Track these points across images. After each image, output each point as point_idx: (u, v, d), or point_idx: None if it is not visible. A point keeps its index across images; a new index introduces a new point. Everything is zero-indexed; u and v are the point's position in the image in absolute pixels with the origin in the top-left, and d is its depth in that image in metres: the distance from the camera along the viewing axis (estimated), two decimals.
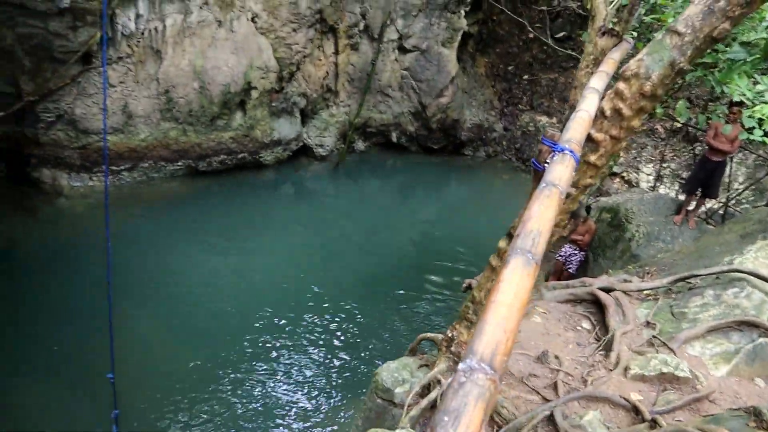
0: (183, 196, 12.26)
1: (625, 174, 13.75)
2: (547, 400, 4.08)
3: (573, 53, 13.87)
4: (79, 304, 8.96)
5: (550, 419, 3.81)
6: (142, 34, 11.00)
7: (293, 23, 12.64)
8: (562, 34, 15.49)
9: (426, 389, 4.13)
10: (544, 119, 15.83)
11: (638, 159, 14.02)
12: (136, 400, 7.25)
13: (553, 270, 9.09)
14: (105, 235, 4.11)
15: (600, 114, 3.46)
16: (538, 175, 2.51)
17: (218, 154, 12.73)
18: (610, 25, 5.07)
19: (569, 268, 8.91)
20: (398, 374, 4.34)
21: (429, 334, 4.66)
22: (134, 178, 12.03)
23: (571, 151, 2.47)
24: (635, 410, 3.82)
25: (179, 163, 12.39)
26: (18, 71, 10.15)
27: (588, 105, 3.22)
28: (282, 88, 13.29)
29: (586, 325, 5.32)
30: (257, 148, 13.19)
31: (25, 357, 8.13)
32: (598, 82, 3.72)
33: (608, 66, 4.20)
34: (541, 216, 1.93)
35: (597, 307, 5.46)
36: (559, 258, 8.98)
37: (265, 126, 13.13)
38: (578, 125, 2.87)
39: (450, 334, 4.26)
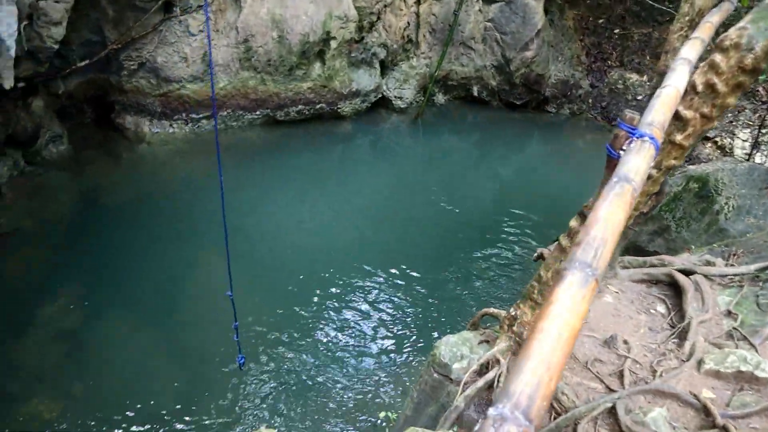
0: (260, 145, 12.39)
1: (718, 139, 12.83)
2: (611, 390, 3.87)
3: (670, 7, 12.90)
4: (152, 250, 9.34)
5: (612, 412, 3.61)
6: None
7: None
8: None
9: (484, 368, 4.00)
10: (634, 77, 14.95)
11: (734, 123, 13.04)
12: (204, 342, 7.59)
13: None
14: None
15: (691, 89, 3.12)
16: (612, 163, 2.27)
17: (296, 104, 12.73)
18: None
19: None
20: (457, 349, 4.21)
21: (492, 310, 4.49)
22: (213, 127, 12.24)
23: (651, 138, 2.21)
24: (705, 411, 3.55)
25: (257, 113, 12.48)
26: (103, 20, 10.38)
27: (677, 79, 2.89)
28: (362, 38, 13.06)
29: (661, 308, 5.00)
30: (335, 99, 13.10)
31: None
32: (690, 51, 3.34)
33: (704, 31, 3.77)
34: (608, 220, 1.72)
35: (674, 290, 5.12)
36: None
37: (343, 77, 12.99)
38: (663, 105, 2.57)
39: (513, 313, 4.08)
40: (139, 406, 7.06)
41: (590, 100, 15.20)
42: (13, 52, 8.64)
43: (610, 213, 1.75)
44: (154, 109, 11.77)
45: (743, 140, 12.54)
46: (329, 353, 7.67)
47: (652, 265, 5.55)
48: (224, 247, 4.70)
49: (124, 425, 6.88)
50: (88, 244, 9.41)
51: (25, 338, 7.89)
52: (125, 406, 7.05)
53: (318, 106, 12.97)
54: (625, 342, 4.37)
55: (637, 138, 2.15)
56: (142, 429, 6.84)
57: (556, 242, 7.75)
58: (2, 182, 9.90)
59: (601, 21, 15.57)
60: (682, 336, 4.40)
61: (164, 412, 6.98)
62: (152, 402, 7.11)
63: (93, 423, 6.93)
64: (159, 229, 9.73)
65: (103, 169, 11.16)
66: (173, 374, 7.49)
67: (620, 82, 14.99)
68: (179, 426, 6.84)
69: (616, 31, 15.39)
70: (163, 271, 8.94)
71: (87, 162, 11.23)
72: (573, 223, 3.70)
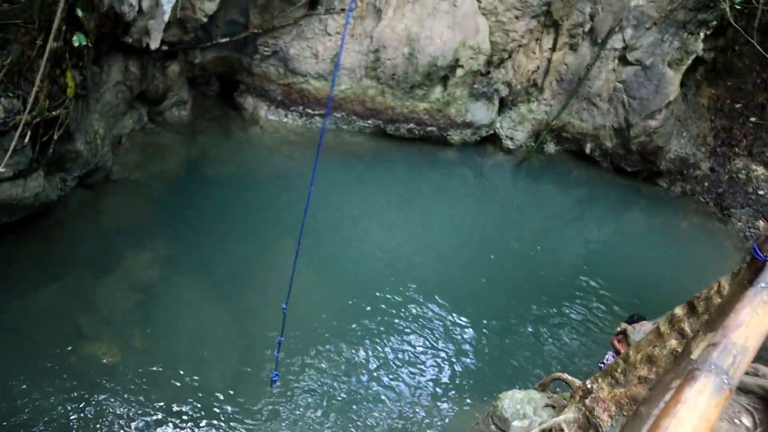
0: (365, 153, 12.54)
1: None
2: None
3: None
4: (242, 226, 9.59)
5: None
6: None
7: (517, 10, 12.24)
8: None
9: None
10: (760, 170, 14.15)
11: None
12: (260, 338, 7.68)
13: None
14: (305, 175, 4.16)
15: None
16: (755, 264, 2.10)
17: (408, 122, 12.81)
18: None
19: None
20: (521, 407, 4.06)
21: (566, 376, 4.31)
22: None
23: None
24: None
25: (369, 121, 12.65)
26: (251, 4, 10.83)
27: None
28: (488, 72, 13.01)
29: (747, 421, 4.63)
30: (447, 126, 13.10)
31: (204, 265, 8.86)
32: None
33: None
34: (751, 327, 1.58)
35: (766, 405, 4.74)
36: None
37: (461, 106, 12.98)
38: None
39: (589, 386, 3.89)
40: (187, 375, 7.25)
41: (706, 184, 14.49)
42: (167, 17, 9.15)
43: (755, 321, 1.61)
44: (275, 96, 12.16)
45: None
46: (371, 382, 7.54)
47: (746, 373, 5.17)
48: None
49: (170, 388, 7.09)
50: (184, 208, 9.80)
51: (105, 282, 8.29)
52: (176, 371, 7.27)
53: (429, 129, 13.00)
54: None
55: None
56: (184, 398, 7.01)
57: (633, 316, 7.36)
58: (124, 132, 10.47)
59: (738, 106, 14.86)
60: None
61: (208, 389, 7.13)
62: (201, 375, 7.29)
63: (145, 378, 7.17)
64: (252, 210, 10.02)
65: (215, 141, 11.62)
66: (226, 355, 7.63)
67: (743, 172, 14.23)
68: (217, 408, 6.96)
69: (752, 119, 14.64)
70: (245, 252, 9.16)
71: (202, 131, 11.72)
72: (678, 311, 3.50)
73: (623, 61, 13.33)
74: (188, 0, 9.72)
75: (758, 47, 12.66)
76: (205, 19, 10.12)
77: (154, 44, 9.52)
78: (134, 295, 8.23)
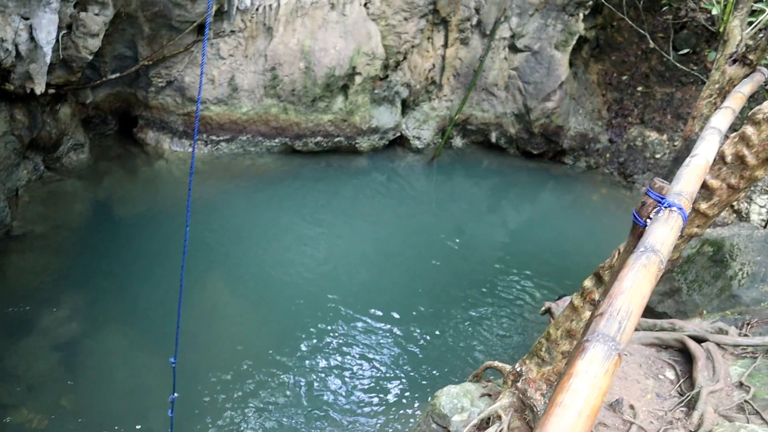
0: (276, 173, 12.43)
1: (735, 203, 12.71)
2: None
3: (695, 70, 12.97)
4: (160, 267, 9.31)
5: None
6: (257, 10, 11.15)
7: (405, 12, 12.47)
8: (686, 51, 14.51)
9: (485, 423, 3.91)
10: (654, 135, 14.95)
11: (752, 188, 12.93)
12: (194, 383, 7.44)
13: None
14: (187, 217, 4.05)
15: (719, 159, 3.09)
16: (637, 230, 2.23)
17: (315, 136, 12.80)
18: (744, 52, 4.58)
19: None
20: (458, 401, 4.13)
21: (496, 363, 4.41)
22: (231, 150, 12.31)
23: (680, 208, 2.17)
24: None
25: (276, 140, 12.56)
26: (137, 36, 10.57)
27: (707, 149, 2.87)
28: (386, 76, 13.18)
29: (670, 374, 4.90)
30: (354, 134, 13.17)
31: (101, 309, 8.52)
32: (721, 120, 3.33)
33: (735, 101, 3.77)
34: (633, 292, 1.67)
35: (685, 356, 5.02)
36: None
37: (365, 112, 13.08)
38: (693, 174, 2.54)
39: (518, 369, 4.01)
40: (124, 429, 6.95)
41: (608, 155, 15.20)
42: (48, 59, 8.77)
43: (636, 284, 1.71)
44: (177, 127, 11.90)
45: (761, 206, 12.43)
46: (302, 407, 7.36)
47: (663, 329, 5.46)
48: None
49: None
50: (95, 255, 9.42)
51: (22, 344, 7.85)
52: (111, 426, 6.95)
53: (336, 140, 13.04)
54: (632, 407, 4.27)
55: (666, 207, 2.12)
56: None
57: (561, 297, 7.66)
58: (20, 185, 9.97)
59: (624, 78, 15.67)
60: (691, 405, 4.29)
61: None
62: (138, 427, 7.00)
63: None
64: (168, 248, 9.71)
65: (119, 181, 11.24)
66: (162, 400, 7.35)
67: (639, 139, 14.99)
68: None
69: (639, 88, 15.46)
70: (166, 292, 8.86)
71: (104, 173, 11.31)
72: (587, 283, 3.65)
73: (513, 49, 13.80)
74: (70, 39, 9.36)
75: (631, 22, 13.42)
76: (90, 57, 9.77)
77: (39, 89, 9.11)
78: (55, 353, 7.82)
